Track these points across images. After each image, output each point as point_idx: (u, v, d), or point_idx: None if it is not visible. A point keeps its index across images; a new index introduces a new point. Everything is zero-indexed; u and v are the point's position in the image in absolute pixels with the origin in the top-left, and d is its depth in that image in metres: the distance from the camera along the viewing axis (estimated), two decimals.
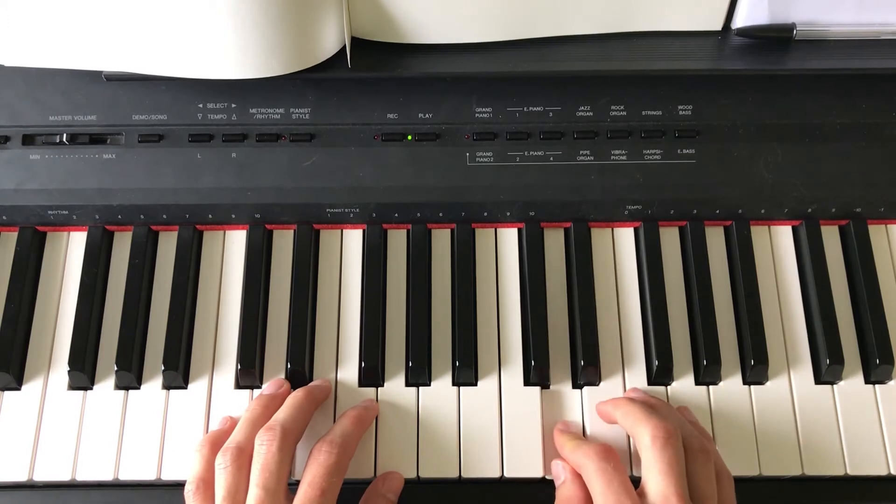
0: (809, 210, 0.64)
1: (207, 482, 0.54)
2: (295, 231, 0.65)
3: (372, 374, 0.60)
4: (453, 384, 0.61)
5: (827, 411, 0.60)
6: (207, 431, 0.59)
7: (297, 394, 0.57)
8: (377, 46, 0.63)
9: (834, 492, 0.59)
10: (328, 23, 0.60)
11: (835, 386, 0.61)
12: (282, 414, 0.55)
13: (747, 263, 0.64)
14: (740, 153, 0.63)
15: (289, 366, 0.60)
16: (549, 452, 0.58)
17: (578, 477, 0.55)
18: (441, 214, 0.64)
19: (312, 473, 0.53)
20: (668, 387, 0.61)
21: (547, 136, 0.63)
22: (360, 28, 0.63)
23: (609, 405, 0.58)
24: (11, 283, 0.62)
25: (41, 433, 0.59)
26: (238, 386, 0.61)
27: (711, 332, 0.61)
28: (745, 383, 0.61)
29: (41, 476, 0.58)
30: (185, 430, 0.59)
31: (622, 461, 0.54)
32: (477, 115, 0.64)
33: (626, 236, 0.65)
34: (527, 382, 0.61)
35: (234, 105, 0.64)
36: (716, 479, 0.54)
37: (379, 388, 0.61)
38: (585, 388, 0.61)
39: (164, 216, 0.64)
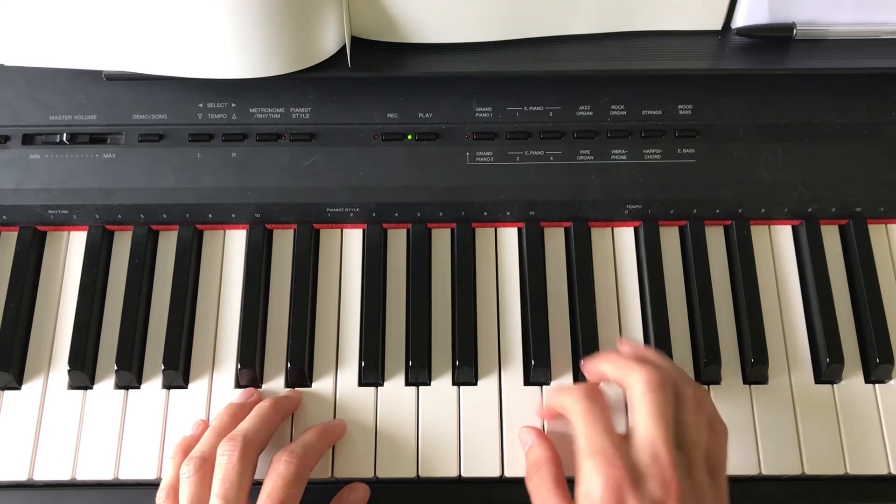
0: (809, 210, 0.64)
1: (177, 490, 0.54)
2: (295, 231, 0.65)
3: (372, 373, 0.60)
4: (453, 384, 0.61)
5: (827, 411, 0.60)
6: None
7: (264, 404, 0.57)
8: (377, 46, 0.63)
9: (834, 491, 0.59)
10: (328, 22, 0.60)
11: (835, 385, 0.61)
12: (245, 424, 0.55)
13: (747, 263, 0.64)
14: (740, 153, 0.63)
15: (289, 365, 0.60)
16: None
17: (545, 438, 0.56)
18: (441, 214, 0.64)
19: (271, 484, 0.53)
20: None
21: (547, 136, 0.63)
22: (360, 28, 0.63)
23: (601, 359, 0.56)
24: (11, 283, 0.62)
25: (41, 433, 0.59)
26: (238, 385, 0.61)
27: (711, 332, 0.61)
28: (745, 383, 0.61)
29: (41, 475, 0.58)
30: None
31: None
32: (477, 114, 0.64)
33: (626, 236, 0.65)
34: (527, 382, 0.61)
35: (234, 105, 0.64)
36: (707, 428, 0.53)
37: (379, 388, 0.61)
38: None
39: (164, 216, 0.64)
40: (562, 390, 0.54)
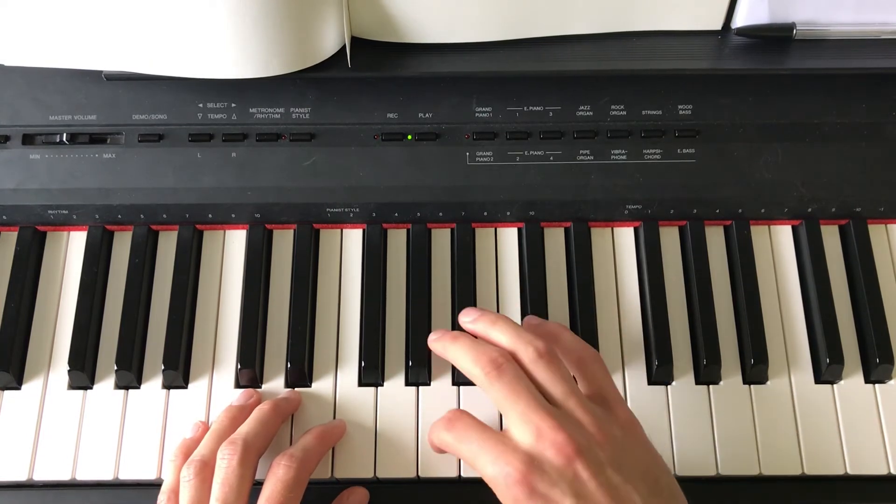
0: (809, 210, 0.64)
1: (177, 493, 0.54)
2: (295, 231, 0.65)
3: (372, 373, 0.60)
4: (453, 384, 0.61)
5: (827, 411, 0.60)
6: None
7: (263, 406, 0.57)
8: (377, 46, 0.63)
9: (834, 492, 0.59)
10: (328, 22, 0.60)
11: (835, 386, 0.61)
12: (245, 427, 0.55)
13: (747, 263, 0.64)
14: (740, 153, 0.63)
15: (289, 365, 0.60)
16: None
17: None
18: (441, 214, 0.64)
19: (270, 489, 0.53)
20: (669, 386, 0.61)
21: (547, 136, 0.63)
22: (360, 28, 0.63)
23: (438, 349, 0.55)
24: (11, 283, 0.62)
25: (41, 433, 0.59)
26: (238, 385, 0.61)
27: (711, 332, 0.61)
28: (745, 383, 0.61)
29: (41, 476, 0.58)
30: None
31: None
32: (477, 114, 0.64)
33: (626, 236, 0.65)
34: None
35: (234, 105, 0.64)
36: (577, 365, 0.52)
37: (379, 388, 0.61)
38: None
39: (164, 216, 0.64)
40: (431, 430, 0.53)
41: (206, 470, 0.53)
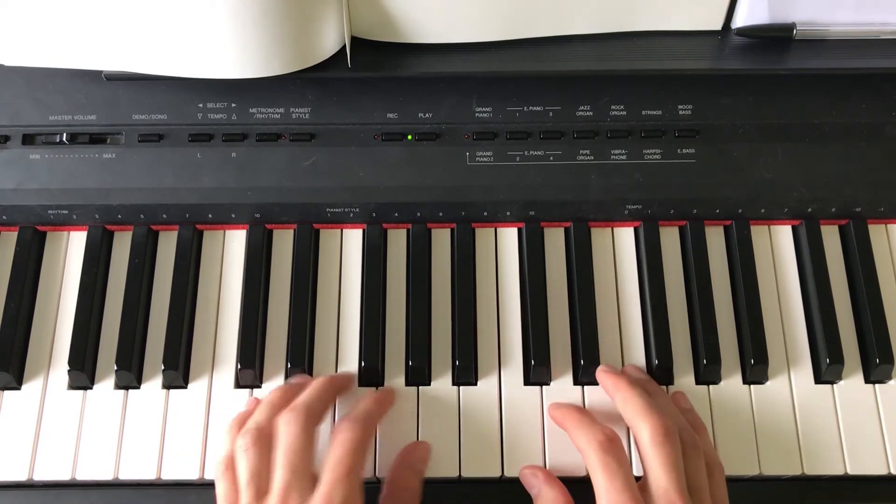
0: (809, 210, 0.64)
1: (233, 462, 0.53)
2: (295, 231, 0.65)
3: (372, 373, 0.60)
4: (453, 384, 0.61)
5: (827, 411, 0.60)
6: (208, 430, 0.59)
7: (320, 378, 0.57)
8: (377, 46, 0.63)
9: (834, 492, 0.59)
10: (328, 22, 0.60)
11: (835, 386, 0.61)
12: (304, 395, 0.55)
13: (747, 263, 0.64)
14: (740, 153, 0.63)
15: (289, 365, 0.60)
16: (551, 451, 0.58)
17: (553, 480, 0.55)
18: (441, 214, 0.64)
19: (338, 452, 0.52)
20: (669, 386, 0.61)
21: (547, 136, 0.63)
22: (360, 28, 0.63)
23: (609, 383, 0.57)
24: (11, 283, 0.62)
25: (41, 433, 0.59)
26: (238, 385, 0.61)
27: (711, 332, 0.61)
28: (745, 383, 0.61)
29: (41, 475, 0.58)
30: (185, 429, 0.59)
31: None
32: (477, 114, 0.64)
33: (626, 236, 0.65)
34: (527, 382, 0.61)
35: (234, 105, 0.64)
36: (707, 469, 0.54)
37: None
38: (586, 388, 0.61)
39: (164, 216, 0.64)
40: (579, 428, 0.55)
41: (263, 438, 0.52)
